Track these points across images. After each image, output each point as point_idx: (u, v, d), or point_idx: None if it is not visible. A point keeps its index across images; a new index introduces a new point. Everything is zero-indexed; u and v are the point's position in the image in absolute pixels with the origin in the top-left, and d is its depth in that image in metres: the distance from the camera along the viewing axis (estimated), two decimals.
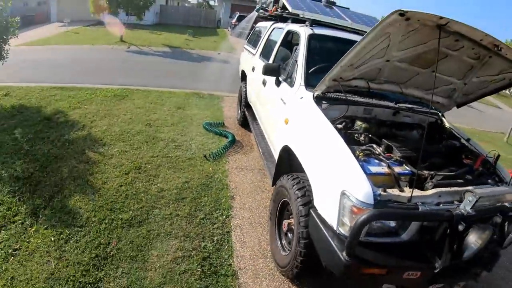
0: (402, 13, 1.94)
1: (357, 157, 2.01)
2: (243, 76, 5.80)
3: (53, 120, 5.18)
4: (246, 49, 6.02)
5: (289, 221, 2.51)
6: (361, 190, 1.78)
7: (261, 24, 5.62)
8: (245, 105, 5.27)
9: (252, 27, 6.70)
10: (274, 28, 4.71)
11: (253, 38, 5.86)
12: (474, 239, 1.78)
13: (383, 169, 2.03)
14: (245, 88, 5.42)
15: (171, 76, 9.50)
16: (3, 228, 2.78)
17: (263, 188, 3.87)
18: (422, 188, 1.99)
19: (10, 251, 2.54)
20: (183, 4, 37.88)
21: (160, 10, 28.98)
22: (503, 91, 3.19)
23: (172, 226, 2.98)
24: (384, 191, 1.80)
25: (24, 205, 3.08)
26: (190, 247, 2.74)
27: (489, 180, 2.22)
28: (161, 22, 28.20)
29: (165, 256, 2.62)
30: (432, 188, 1.97)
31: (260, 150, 3.79)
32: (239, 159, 4.49)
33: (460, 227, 1.78)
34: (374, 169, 2.00)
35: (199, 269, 2.53)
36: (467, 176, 2.19)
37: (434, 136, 2.81)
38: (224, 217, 3.20)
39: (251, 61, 5.21)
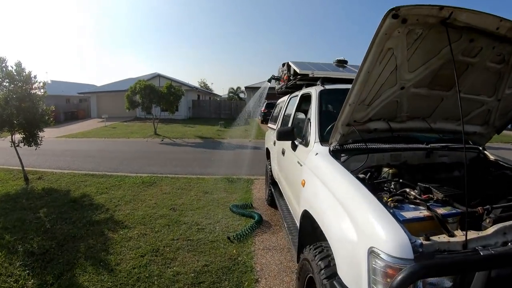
0: (395, 14, 1.75)
1: (385, 205, 1.67)
2: (268, 154, 5.89)
3: (78, 203, 5.50)
4: (269, 127, 6.17)
5: None
6: (394, 242, 1.39)
7: (280, 100, 5.88)
8: (271, 182, 5.21)
9: (273, 104, 6.93)
10: (290, 98, 4.82)
11: (275, 115, 6.06)
12: None
13: (421, 212, 1.69)
14: (270, 165, 5.45)
15: (201, 164, 9.88)
16: None
17: (293, 268, 3.52)
18: (479, 228, 1.61)
19: None
20: (214, 99, 40.91)
21: (192, 105, 31.84)
22: None
23: None
24: (427, 239, 1.42)
25: (32, 280, 3.14)
26: None
27: None
28: (194, 116, 30.71)
29: None
30: (492, 225, 1.55)
31: (285, 225, 3.54)
32: (266, 239, 4.26)
33: None
34: (409, 214, 1.67)
35: None
36: None
37: (479, 172, 2.51)
38: None
39: (273, 136, 5.19)
